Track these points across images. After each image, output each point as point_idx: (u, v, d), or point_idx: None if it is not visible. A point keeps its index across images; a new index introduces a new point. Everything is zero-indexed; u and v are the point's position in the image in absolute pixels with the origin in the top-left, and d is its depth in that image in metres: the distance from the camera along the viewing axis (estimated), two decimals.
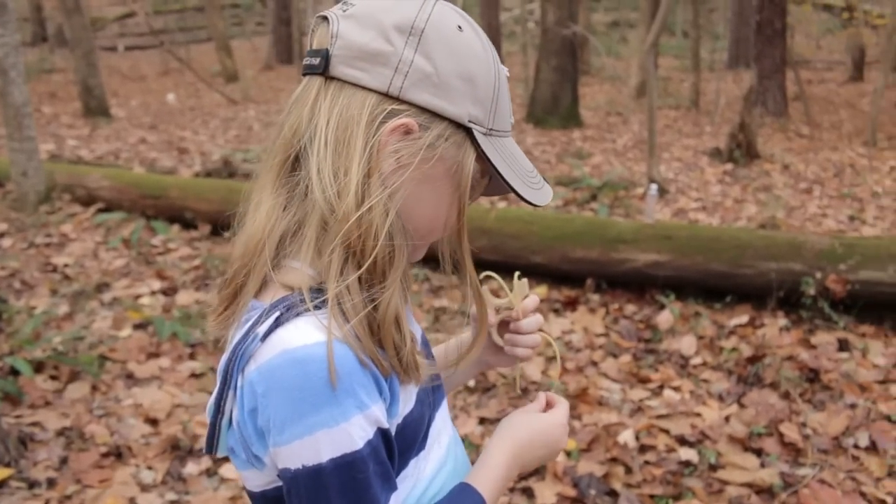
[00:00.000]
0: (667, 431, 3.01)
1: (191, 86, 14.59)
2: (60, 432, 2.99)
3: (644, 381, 3.43)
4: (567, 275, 4.42)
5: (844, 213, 6.02)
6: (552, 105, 9.84)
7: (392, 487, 0.84)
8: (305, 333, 0.79)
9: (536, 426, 1.02)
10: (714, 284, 4.15)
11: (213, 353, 3.65)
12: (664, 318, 3.96)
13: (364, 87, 0.83)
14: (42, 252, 5.05)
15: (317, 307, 0.81)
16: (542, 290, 4.33)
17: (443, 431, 1.01)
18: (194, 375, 3.46)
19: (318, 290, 0.83)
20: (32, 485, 2.68)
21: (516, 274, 1.06)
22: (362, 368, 0.80)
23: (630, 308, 4.16)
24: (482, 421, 3.11)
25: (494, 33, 13.52)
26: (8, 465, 2.75)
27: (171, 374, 3.46)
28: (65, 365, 3.42)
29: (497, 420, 3.11)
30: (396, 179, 0.84)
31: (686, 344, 3.71)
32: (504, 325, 1.10)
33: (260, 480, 0.88)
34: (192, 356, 3.64)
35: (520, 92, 11.51)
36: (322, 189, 0.82)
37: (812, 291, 3.86)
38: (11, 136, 5.77)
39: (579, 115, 10.24)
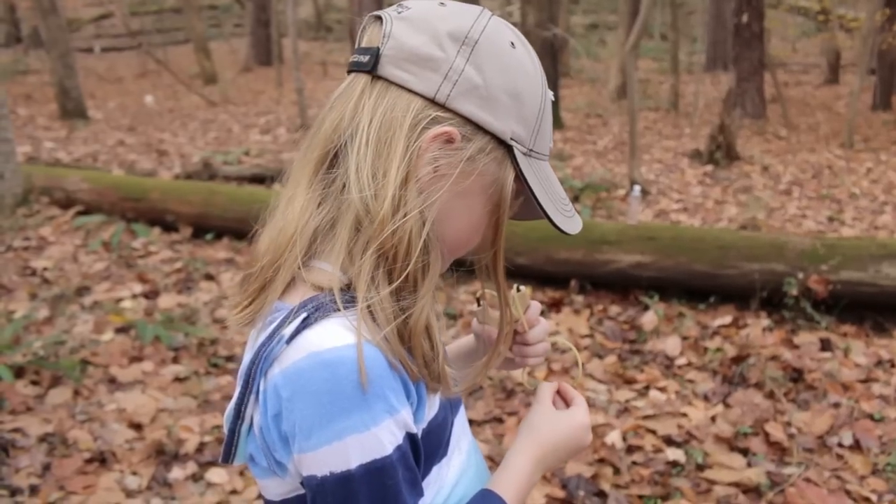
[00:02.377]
0: (653, 432, 3.02)
1: (169, 88, 14.48)
2: (42, 438, 2.94)
3: (630, 381, 3.44)
4: (551, 276, 4.43)
5: (824, 214, 6.09)
6: None
7: (419, 493, 0.82)
8: (335, 335, 0.77)
9: (561, 428, 0.99)
10: (697, 285, 4.17)
11: (196, 356, 3.62)
12: (648, 319, 3.98)
13: (410, 91, 0.82)
14: (20, 255, 4.98)
15: (347, 309, 0.78)
16: (526, 291, 4.33)
17: (462, 437, 0.99)
18: (178, 379, 3.42)
19: (349, 292, 0.80)
20: (14, 492, 2.64)
21: (515, 286, 1.05)
22: (392, 371, 0.78)
23: (614, 309, 4.18)
24: (469, 423, 3.10)
25: None
26: None
27: (154, 378, 3.42)
28: (46, 370, 3.37)
29: (484, 422, 3.11)
30: (433, 190, 0.82)
31: (671, 344, 3.73)
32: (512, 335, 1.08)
33: (281, 489, 0.85)
34: (175, 360, 3.60)
35: None
36: (359, 189, 0.80)
37: (794, 292, 3.89)
38: None
39: (560, 117, 10.29)
